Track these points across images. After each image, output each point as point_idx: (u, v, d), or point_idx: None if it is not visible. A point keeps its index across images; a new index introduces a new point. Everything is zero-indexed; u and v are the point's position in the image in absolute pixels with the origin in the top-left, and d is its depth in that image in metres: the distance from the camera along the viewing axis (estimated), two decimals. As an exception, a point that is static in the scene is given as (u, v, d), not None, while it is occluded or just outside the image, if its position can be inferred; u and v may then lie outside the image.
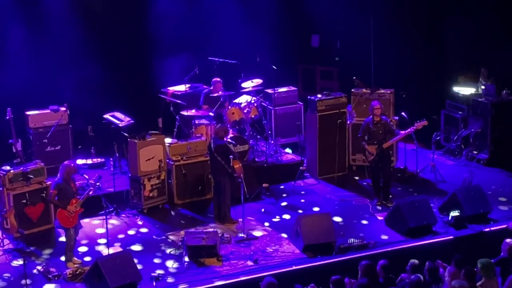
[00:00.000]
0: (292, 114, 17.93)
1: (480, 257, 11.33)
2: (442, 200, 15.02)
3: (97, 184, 13.71)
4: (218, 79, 17.14)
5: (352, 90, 17.38)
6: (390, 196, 15.48)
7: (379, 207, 15.32)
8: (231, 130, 16.39)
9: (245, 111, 16.78)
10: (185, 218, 15.20)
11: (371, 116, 15.44)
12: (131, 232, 14.63)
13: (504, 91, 17.54)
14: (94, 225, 14.67)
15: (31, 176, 14.37)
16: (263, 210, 15.38)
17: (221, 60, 17.59)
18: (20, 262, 12.94)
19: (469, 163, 17.48)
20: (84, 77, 17.41)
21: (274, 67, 17.19)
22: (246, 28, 18.70)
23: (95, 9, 17.82)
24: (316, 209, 15.41)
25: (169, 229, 14.72)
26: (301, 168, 16.77)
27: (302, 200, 15.87)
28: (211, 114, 16.69)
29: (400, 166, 17.00)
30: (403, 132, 15.54)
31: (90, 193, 13.39)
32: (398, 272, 11.59)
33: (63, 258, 13.34)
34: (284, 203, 15.70)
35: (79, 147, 17.12)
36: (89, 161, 17.00)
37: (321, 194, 16.21)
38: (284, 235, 14.28)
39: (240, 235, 14.18)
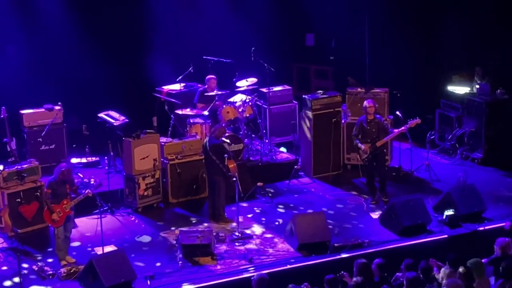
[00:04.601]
0: (287, 113, 17.93)
1: (474, 256, 11.36)
2: (437, 199, 15.04)
3: (89, 191, 13.51)
4: (212, 76, 17.15)
5: (347, 89, 17.39)
6: (386, 192, 15.55)
7: (373, 205, 15.37)
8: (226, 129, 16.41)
9: (239, 110, 16.78)
10: (179, 217, 15.20)
11: (365, 115, 15.47)
12: (125, 231, 14.62)
13: (499, 90, 17.56)
14: (88, 224, 14.65)
15: (25, 175, 14.36)
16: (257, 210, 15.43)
17: (215, 59, 17.60)
18: (15, 261, 12.91)
19: (463, 162, 17.50)
20: (78, 76, 17.41)
21: (266, 65, 17.16)
22: (240, 27, 18.72)
23: (90, 8, 17.80)
24: (310, 208, 15.44)
25: (163, 228, 14.72)
26: (295, 167, 16.80)
27: (297, 199, 15.88)
28: (205, 113, 16.69)
29: (394, 165, 17.02)
30: (396, 130, 15.56)
31: (82, 197, 13.31)
32: (392, 271, 11.60)
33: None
34: (278, 202, 15.70)
35: (74, 146, 17.10)
36: (84, 160, 16.98)
37: (316, 193, 16.22)
38: (279, 234, 14.28)
39: (235, 234, 14.19)
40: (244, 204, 15.46)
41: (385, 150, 16.02)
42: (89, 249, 13.82)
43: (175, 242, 13.79)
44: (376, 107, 15.61)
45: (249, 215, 15.14)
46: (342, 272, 11.50)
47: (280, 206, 15.55)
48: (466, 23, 18.01)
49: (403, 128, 15.53)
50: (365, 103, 15.55)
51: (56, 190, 13.08)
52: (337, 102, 16.88)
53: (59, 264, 13.20)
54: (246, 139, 17.00)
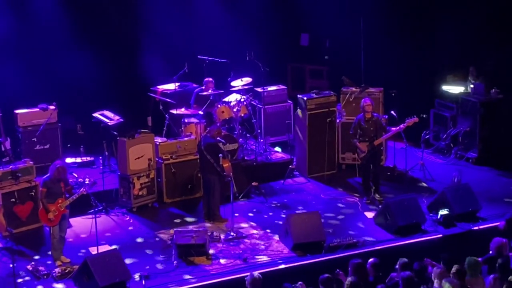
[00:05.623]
0: (282, 112, 17.94)
1: (469, 255, 11.37)
2: (431, 199, 15.06)
3: (84, 190, 13.48)
4: (210, 79, 17.15)
5: (342, 89, 17.40)
6: (380, 191, 15.57)
7: (368, 205, 15.39)
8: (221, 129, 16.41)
9: (234, 109, 16.77)
10: (174, 217, 15.19)
11: (362, 113, 15.47)
12: (120, 231, 14.61)
13: (493, 89, 17.58)
14: (83, 223, 14.62)
15: (20, 175, 14.34)
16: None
17: (210, 58, 17.59)
18: (9, 261, 12.89)
19: (458, 161, 17.52)
20: (73, 75, 17.36)
21: (261, 66, 17.16)
22: (235, 27, 18.71)
23: (85, 8, 17.78)
24: (305, 207, 15.45)
25: (158, 227, 14.71)
26: (290, 166, 16.80)
27: (292, 199, 15.89)
28: (200, 112, 16.70)
29: (389, 164, 17.03)
30: (394, 129, 15.56)
31: (77, 196, 13.28)
32: (387, 270, 11.61)
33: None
34: (273, 202, 15.71)
35: (68, 145, 17.09)
36: (78, 160, 16.98)
37: (311, 192, 16.22)
38: (274, 234, 14.28)
39: (230, 233, 14.18)
40: (239, 204, 15.46)
41: (382, 149, 16.05)
42: (83, 251, 13.82)
43: (170, 242, 13.78)
44: (373, 105, 15.63)
45: (241, 214, 15.16)
46: (337, 270, 11.51)
47: (275, 206, 15.55)
48: (460, 22, 18.01)
49: (401, 126, 15.53)
50: (363, 101, 15.56)
51: (51, 189, 13.07)
52: (332, 102, 16.89)
53: (54, 264, 13.19)
54: (241, 139, 17.00)
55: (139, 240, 14.21)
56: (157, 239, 14.24)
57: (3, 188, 14.22)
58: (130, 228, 14.72)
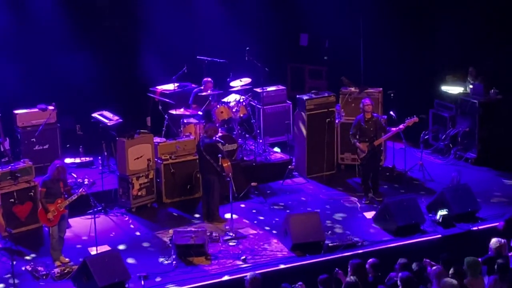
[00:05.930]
0: (281, 113, 17.93)
1: (468, 255, 11.37)
2: (430, 199, 15.05)
3: (83, 190, 13.47)
4: (209, 79, 17.14)
5: (341, 89, 17.40)
6: (379, 191, 15.56)
7: (367, 205, 15.38)
8: (219, 129, 16.38)
9: (233, 110, 16.77)
10: (173, 217, 15.19)
11: (362, 114, 15.46)
12: (119, 231, 14.61)
13: (492, 90, 17.58)
14: (82, 224, 14.62)
15: (19, 175, 14.34)
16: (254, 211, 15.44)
17: (209, 59, 17.59)
18: (8, 261, 12.88)
19: (457, 162, 17.53)
20: (72, 76, 17.36)
21: (259, 64, 17.17)
22: (235, 27, 18.72)
23: (84, 8, 17.79)
24: (304, 208, 15.44)
25: (157, 228, 14.71)
26: (289, 167, 16.80)
27: (291, 199, 15.88)
28: (199, 113, 16.70)
29: (388, 165, 17.03)
30: (394, 129, 15.55)
31: (76, 196, 13.27)
32: (386, 270, 11.61)
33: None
34: (272, 202, 15.70)
35: (67, 146, 17.09)
36: (78, 160, 16.97)
37: (310, 193, 16.22)
38: (273, 234, 14.28)
39: (229, 234, 14.18)
40: (240, 204, 15.45)
41: (382, 149, 16.05)
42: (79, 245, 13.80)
43: (169, 242, 13.77)
44: (373, 105, 15.63)
45: (243, 215, 15.16)
46: (336, 269, 11.51)
47: (274, 206, 15.55)
48: (460, 22, 18.03)
49: (401, 126, 15.52)
50: (363, 101, 15.55)
51: (51, 189, 13.07)
52: (331, 102, 16.89)
53: (53, 264, 13.19)
54: (240, 139, 17.00)
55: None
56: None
57: (2, 188, 14.21)
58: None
